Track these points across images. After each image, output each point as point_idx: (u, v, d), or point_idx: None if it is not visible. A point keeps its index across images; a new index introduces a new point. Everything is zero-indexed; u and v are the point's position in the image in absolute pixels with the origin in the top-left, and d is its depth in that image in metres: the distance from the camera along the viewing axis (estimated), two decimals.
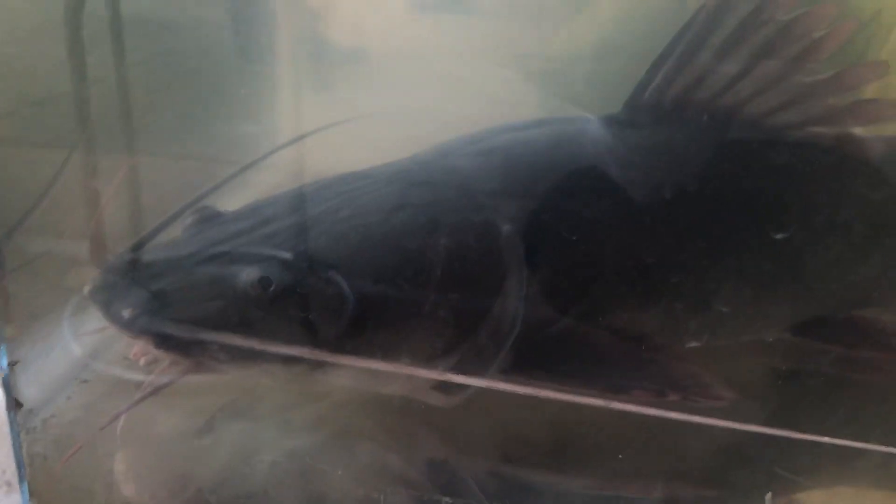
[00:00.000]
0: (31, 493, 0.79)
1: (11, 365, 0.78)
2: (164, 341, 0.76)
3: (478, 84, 1.97)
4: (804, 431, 0.93)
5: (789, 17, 0.92)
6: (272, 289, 0.77)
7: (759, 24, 0.91)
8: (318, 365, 0.77)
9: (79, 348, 0.91)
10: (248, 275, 0.77)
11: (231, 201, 0.98)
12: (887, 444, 0.86)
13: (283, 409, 0.89)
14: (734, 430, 0.83)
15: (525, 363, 0.84)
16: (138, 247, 0.86)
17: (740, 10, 0.91)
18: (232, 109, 1.87)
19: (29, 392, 0.84)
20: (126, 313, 0.76)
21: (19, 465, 0.75)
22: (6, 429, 0.75)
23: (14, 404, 0.77)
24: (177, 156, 1.73)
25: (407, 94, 1.99)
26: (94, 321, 0.82)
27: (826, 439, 0.76)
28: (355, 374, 0.79)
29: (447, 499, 0.82)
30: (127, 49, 1.47)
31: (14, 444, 0.75)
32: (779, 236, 0.95)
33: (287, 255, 0.80)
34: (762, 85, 0.93)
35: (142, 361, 0.81)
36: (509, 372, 0.85)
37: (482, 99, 1.91)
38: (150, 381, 0.79)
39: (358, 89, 2.06)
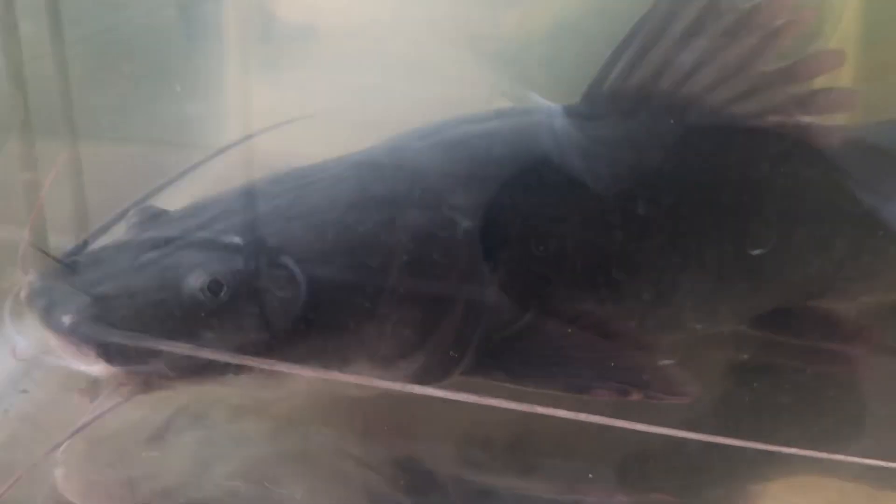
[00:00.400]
0: None
1: None
2: (107, 350, 0.71)
3: (431, 64, 1.95)
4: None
5: (750, 5, 0.89)
6: (223, 293, 0.73)
7: (720, 13, 0.89)
8: (273, 372, 0.73)
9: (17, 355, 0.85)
10: (196, 278, 0.73)
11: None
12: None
13: (236, 416, 0.85)
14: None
15: (486, 365, 0.81)
16: (79, 249, 0.81)
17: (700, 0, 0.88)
18: (178, 89, 1.82)
19: None
20: (66, 319, 0.71)
21: None
22: None
23: None
24: (120, 139, 1.68)
25: (358, 73, 1.96)
26: (32, 328, 0.76)
27: (785, 449, 0.74)
28: (314, 380, 0.75)
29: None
30: (65, 25, 1.41)
31: None
32: (738, 227, 0.94)
33: (239, 256, 0.75)
34: (722, 75, 0.91)
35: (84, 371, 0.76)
36: (472, 374, 0.82)
37: (435, 79, 1.89)
38: (97, 405, 0.74)
39: (308, 69, 2.03)
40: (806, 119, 0.95)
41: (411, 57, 1.88)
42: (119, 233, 0.84)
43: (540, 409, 0.73)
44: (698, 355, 1.01)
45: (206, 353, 0.72)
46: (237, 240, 0.78)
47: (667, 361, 0.87)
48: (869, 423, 1.02)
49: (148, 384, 0.75)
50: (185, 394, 0.83)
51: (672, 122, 0.93)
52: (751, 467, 0.88)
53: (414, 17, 2.04)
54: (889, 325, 1.14)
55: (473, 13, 1.70)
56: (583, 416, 0.72)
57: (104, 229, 0.83)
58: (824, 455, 0.77)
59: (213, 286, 0.73)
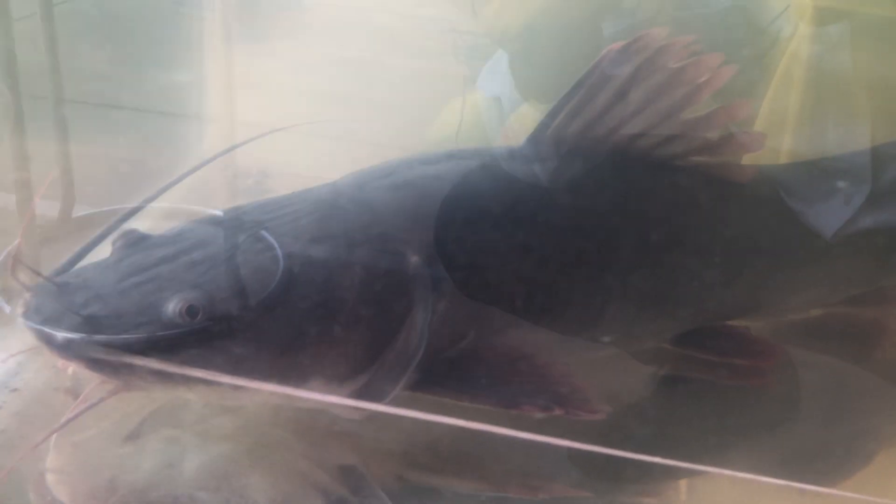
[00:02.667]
0: None
1: None
2: (95, 365, 0.80)
3: (411, 40, 2.00)
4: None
5: (678, 65, 0.99)
6: (199, 317, 0.82)
7: (652, 71, 0.98)
8: (240, 386, 0.83)
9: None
10: (175, 304, 0.82)
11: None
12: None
13: (205, 418, 0.94)
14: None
15: (428, 382, 0.91)
16: (67, 267, 0.89)
17: (637, 59, 0.98)
18: (164, 57, 1.86)
19: None
20: (59, 337, 0.80)
21: None
22: None
23: None
24: (106, 105, 1.71)
25: (344, 46, 2.01)
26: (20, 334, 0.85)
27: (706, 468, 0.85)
28: (274, 394, 0.85)
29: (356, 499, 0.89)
30: None
31: None
32: (659, 258, 1.04)
33: (212, 283, 0.84)
34: (653, 121, 1.01)
35: (69, 371, 0.85)
36: (415, 390, 0.91)
37: (415, 55, 1.95)
38: (82, 399, 0.83)
39: (294, 39, 2.07)
40: (721, 159, 1.05)
41: (394, 31, 1.91)
42: (104, 253, 0.91)
43: (473, 425, 0.83)
44: (622, 371, 1.11)
45: (180, 370, 0.81)
46: (211, 268, 0.86)
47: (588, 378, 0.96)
48: (775, 431, 1.12)
49: (126, 387, 0.83)
50: (159, 396, 0.92)
51: (604, 164, 1.02)
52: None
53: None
54: (795, 341, 1.26)
55: (451, 5, 1.75)
56: (511, 432, 0.82)
57: (89, 250, 0.91)
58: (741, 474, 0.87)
59: (191, 311, 0.82)
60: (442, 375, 0.91)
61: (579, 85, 1.00)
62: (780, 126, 1.37)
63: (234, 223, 0.91)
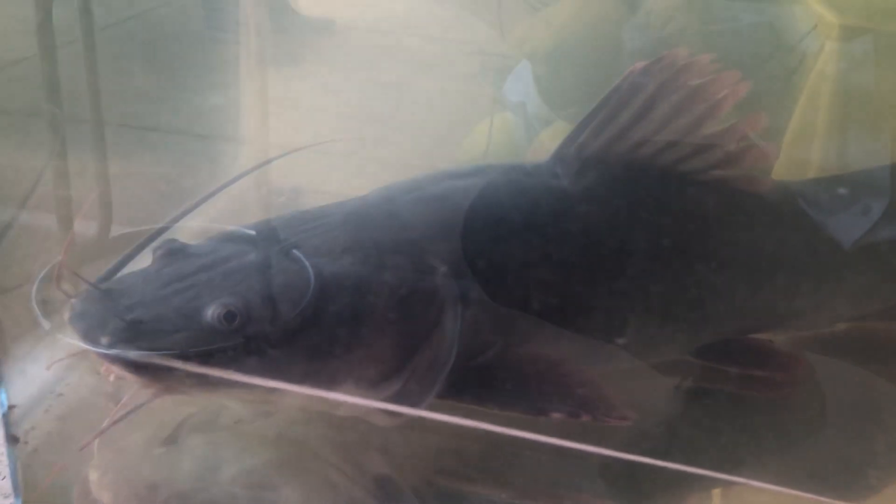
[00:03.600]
0: None
1: (11, 408, 0.85)
2: (138, 368, 0.84)
3: (441, 63, 2.03)
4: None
5: (699, 82, 1.02)
6: (236, 322, 0.85)
7: (674, 88, 1.01)
8: (276, 390, 0.85)
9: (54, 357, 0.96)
10: (214, 309, 0.85)
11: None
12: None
13: (243, 424, 0.97)
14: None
15: (457, 389, 0.93)
16: (110, 274, 0.93)
17: (659, 77, 1.00)
18: (200, 80, 1.90)
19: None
20: (104, 341, 0.84)
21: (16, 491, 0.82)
22: (4, 459, 0.82)
23: (12, 440, 0.84)
24: (146, 127, 1.75)
25: (375, 68, 2.04)
26: (68, 342, 0.88)
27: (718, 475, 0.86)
28: (309, 398, 0.87)
29: None
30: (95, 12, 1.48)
31: (12, 476, 0.82)
32: (682, 272, 1.06)
33: (250, 291, 0.87)
34: (673, 137, 1.03)
35: (111, 377, 0.89)
36: (444, 397, 0.93)
37: (445, 77, 1.98)
38: (124, 404, 0.86)
39: (327, 63, 2.10)
40: (741, 172, 1.07)
41: (426, 56, 1.94)
42: (145, 262, 0.95)
43: (499, 429, 0.85)
44: (645, 383, 1.13)
45: (219, 373, 0.83)
46: (248, 276, 0.89)
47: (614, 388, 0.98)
48: (800, 445, 1.13)
49: (167, 391, 0.86)
50: (198, 400, 0.95)
51: (627, 179, 1.05)
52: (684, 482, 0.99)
53: (429, 21, 2.11)
54: (819, 354, 1.26)
55: (481, 27, 1.78)
56: (541, 438, 0.84)
57: (131, 258, 0.94)
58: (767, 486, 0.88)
59: (228, 316, 0.85)
60: (470, 383, 0.93)
61: (603, 103, 1.03)
62: (808, 141, 1.38)
63: (268, 235, 0.94)
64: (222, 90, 1.99)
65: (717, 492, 1.01)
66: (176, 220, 1.00)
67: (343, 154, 1.58)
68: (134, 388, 0.85)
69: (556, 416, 0.91)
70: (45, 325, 0.89)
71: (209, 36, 2.14)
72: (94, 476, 0.89)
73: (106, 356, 0.83)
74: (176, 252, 0.92)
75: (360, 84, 2.06)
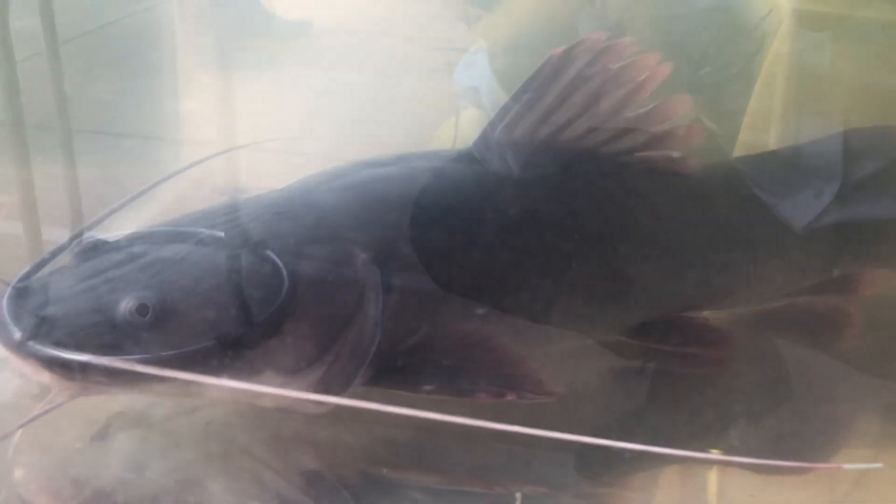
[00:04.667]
0: None
1: None
2: (50, 364, 0.82)
3: (417, 62, 2.02)
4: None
5: (618, 66, 1.00)
6: (149, 315, 0.84)
7: (594, 72, 0.99)
8: (195, 383, 0.84)
9: None
10: (127, 303, 0.84)
11: None
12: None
13: (171, 419, 0.96)
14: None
15: (384, 375, 0.92)
16: (30, 274, 0.91)
17: (579, 62, 0.99)
18: (175, 86, 1.88)
19: None
20: (16, 337, 0.82)
21: None
22: None
23: None
24: (118, 133, 1.74)
25: (351, 69, 2.03)
26: None
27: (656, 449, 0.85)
28: (232, 389, 0.86)
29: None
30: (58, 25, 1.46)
31: None
32: (608, 252, 1.04)
33: (163, 283, 0.86)
34: (597, 120, 1.01)
35: (37, 379, 0.87)
36: (371, 383, 0.92)
37: (421, 77, 1.97)
38: (44, 403, 0.84)
39: (303, 64, 2.09)
40: (666, 153, 1.06)
41: (398, 55, 1.92)
42: (65, 260, 0.93)
43: (431, 415, 0.84)
44: (579, 364, 1.11)
45: (135, 367, 0.82)
46: (162, 270, 0.88)
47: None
48: (729, 419, 1.12)
49: (86, 389, 0.85)
50: (121, 398, 0.93)
51: (550, 161, 1.03)
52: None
53: (397, 20, 2.09)
54: (758, 330, 1.25)
55: (444, 23, 1.77)
56: (472, 422, 0.82)
57: (51, 257, 0.93)
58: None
59: (141, 309, 0.84)
60: (396, 369, 0.92)
61: (524, 88, 1.01)
62: (766, 124, 1.37)
63: (186, 227, 0.92)
64: (195, 94, 1.97)
65: (713, 477, 1.00)
66: (101, 219, 0.98)
67: (308, 154, 1.57)
68: (54, 389, 0.83)
69: (481, 396, 0.89)
70: None
71: (187, 41, 2.12)
72: (18, 474, 0.88)
73: (17, 353, 0.81)
74: (93, 248, 0.90)
75: (336, 84, 2.05)
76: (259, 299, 0.88)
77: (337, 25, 2.35)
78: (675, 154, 1.06)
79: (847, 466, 0.89)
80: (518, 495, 0.90)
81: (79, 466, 0.90)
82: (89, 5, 1.97)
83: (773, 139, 1.38)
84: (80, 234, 0.95)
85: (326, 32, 2.34)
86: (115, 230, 1.00)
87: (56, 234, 1.21)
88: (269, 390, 0.85)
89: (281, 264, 0.89)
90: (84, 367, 0.82)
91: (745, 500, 0.98)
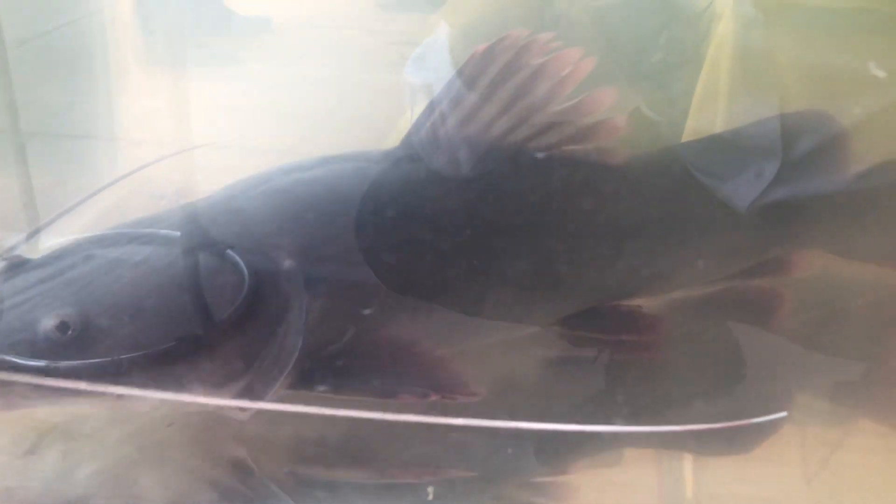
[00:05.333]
0: None
1: None
2: None
3: (381, 56, 2.00)
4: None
5: (540, 61, 0.99)
6: (70, 332, 0.83)
7: (517, 68, 0.99)
8: (124, 397, 0.83)
9: None
10: (47, 321, 0.83)
11: None
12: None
13: (102, 427, 0.95)
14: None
15: (309, 379, 0.92)
16: None
17: (501, 59, 0.98)
18: (133, 85, 1.86)
19: None
20: None
21: None
22: None
23: None
24: (76, 135, 1.72)
25: (313, 64, 2.01)
26: None
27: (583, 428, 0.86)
28: (160, 401, 0.86)
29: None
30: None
31: None
32: (538, 245, 1.04)
33: (84, 299, 0.85)
34: (522, 116, 1.01)
35: None
36: (297, 387, 0.92)
37: (387, 70, 1.95)
38: None
39: (264, 60, 2.07)
40: (593, 145, 1.05)
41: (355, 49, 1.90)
42: None
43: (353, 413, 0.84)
44: (514, 355, 1.12)
45: (59, 383, 0.81)
46: (86, 285, 0.87)
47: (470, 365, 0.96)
48: (666, 402, 1.12)
49: (10, 405, 0.84)
50: (45, 412, 0.93)
51: (478, 159, 1.03)
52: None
53: (350, 14, 2.07)
54: (693, 315, 1.25)
55: (397, 17, 1.75)
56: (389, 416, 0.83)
57: None
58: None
59: (62, 326, 0.83)
60: (322, 372, 0.92)
61: (448, 87, 1.00)
62: (712, 108, 1.37)
63: (111, 241, 0.91)
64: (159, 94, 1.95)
65: (689, 476, 1.01)
66: (41, 228, 0.97)
67: (257, 152, 1.55)
68: None
69: (404, 397, 0.89)
70: None
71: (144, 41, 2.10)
72: None
73: None
74: (17, 266, 0.89)
75: (295, 80, 2.03)
76: (181, 311, 0.87)
77: (297, 20, 2.33)
78: (602, 146, 1.05)
79: (755, 420, 0.89)
80: (430, 489, 0.90)
81: (7, 477, 0.89)
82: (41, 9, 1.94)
83: (719, 123, 1.38)
84: (18, 245, 0.94)
85: (287, 28, 2.32)
86: (55, 235, 0.99)
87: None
88: (192, 399, 0.84)
89: (203, 274, 0.88)
90: (5, 385, 0.81)
91: (720, 491, 0.97)
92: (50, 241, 1.02)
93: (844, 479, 0.96)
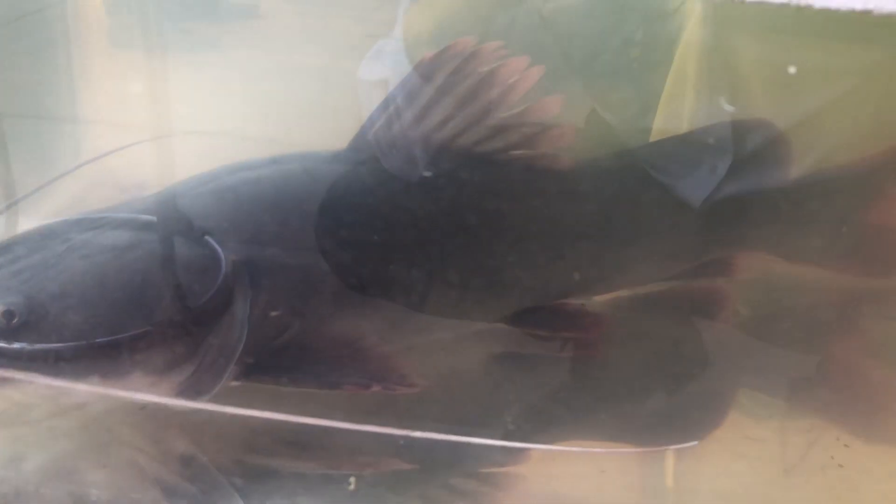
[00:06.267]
0: None
1: None
2: None
3: (367, 45, 2.00)
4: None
5: (488, 69, 1.01)
6: (16, 321, 0.85)
7: (464, 76, 1.00)
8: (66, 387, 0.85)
9: None
10: None
11: None
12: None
13: (51, 416, 0.97)
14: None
15: (255, 372, 0.94)
16: None
17: (450, 65, 1.00)
18: (118, 69, 1.85)
19: None
20: None
21: None
22: None
23: None
24: (61, 118, 1.72)
25: (300, 52, 2.00)
26: None
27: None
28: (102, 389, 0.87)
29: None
30: None
31: None
32: (482, 246, 1.06)
33: (31, 290, 0.87)
34: (469, 122, 1.03)
35: None
36: (243, 380, 0.94)
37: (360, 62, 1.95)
38: None
39: (250, 47, 2.06)
40: (539, 151, 1.08)
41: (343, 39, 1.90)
42: None
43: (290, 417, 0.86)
44: (457, 352, 1.14)
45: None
46: (34, 275, 0.89)
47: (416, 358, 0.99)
48: (608, 401, 1.15)
49: None
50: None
51: (424, 161, 1.05)
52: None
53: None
54: (626, 314, 1.27)
55: (371, 13, 1.75)
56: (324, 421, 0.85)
57: None
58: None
59: (7, 315, 0.85)
60: (267, 365, 0.94)
61: (397, 91, 1.02)
62: (679, 110, 1.38)
63: (60, 232, 0.93)
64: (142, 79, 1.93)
65: (669, 466, 1.02)
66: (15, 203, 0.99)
67: (245, 140, 1.55)
68: None
69: (348, 388, 0.91)
70: None
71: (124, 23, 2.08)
72: None
73: None
74: None
75: (281, 69, 2.02)
76: (128, 303, 0.89)
77: (286, 6, 2.31)
78: (549, 152, 1.07)
79: (671, 448, 0.92)
80: (352, 479, 0.92)
81: None
82: None
83: (685, 125, 1.39)
84: None
85: (274, 14, 2.30)
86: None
87: None
88: (135, 395, 0.86)
89: (148, 268, 0.90)
90: None
91: (700, 486, 1.00)
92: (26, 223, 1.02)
93: (822, 472, 0.98)
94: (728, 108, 1.36)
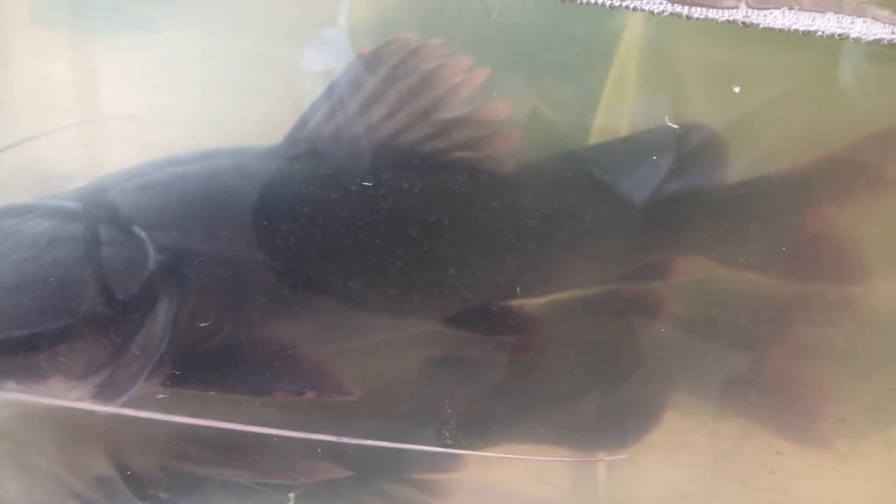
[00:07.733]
0: None
1: None
2: None
3: (311, 31, 1.93)
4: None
5: (430, 67, 0.97)
6: None
7: (406, 72, 0.96)
8: None
9: None
10: None
11: None
12: None
13: None
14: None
15: (180, 377, 0.89)
16: None
17: (390, 61, 0.95)
18: (43, 49, 1.76)
19: None
20: None
21: None
22: None
23: None
24: None
25: (235, 35, 1.93)
26: None
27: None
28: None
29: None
30: None
31: None
32: (421, 246, 1.02)
33: None
34: (411, 120, 0.99)
35: None
36: (168, 385, 0.89)
37: (299, 48, 1.88)
38: None
39: (181, 29, 1.98)
40: (483, 153, 1.04)
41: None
42: None
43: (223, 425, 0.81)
44: (393, 354, 1.10)
45: None
46: None
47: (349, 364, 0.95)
48: (546, 404, 1.13)
49: None
50: None
51: (361, 158, 1.00)
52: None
53: None
54: (564, 316, 1.26)
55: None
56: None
57: None
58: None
59: None
60: (195, 369, 0.89)
61: (334, 85, 0.97)
62: (619, 105, 1.36)
63: None
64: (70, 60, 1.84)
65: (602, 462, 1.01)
66: None
67: (175, 125, 1.48)
68: None
69: (281, 395, 0.87)
70: None
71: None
72: None
73: None
74: None
75: (217, 51, 1.95)
76: (48, 302, 0.83)
77: None
78: (492, 154, 1.04)
79: (605, 459, 0.90)
80: (291, 495, 0.88)
81: None
82: None
83: (625, 124, 1.37)
84: None
85: None
86: None
87: None
88: (50, 401, 0.81)
89: (69, 267, 0.84)
90: None
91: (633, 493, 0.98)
92: None
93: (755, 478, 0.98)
94: (668, 117, 1.36)
